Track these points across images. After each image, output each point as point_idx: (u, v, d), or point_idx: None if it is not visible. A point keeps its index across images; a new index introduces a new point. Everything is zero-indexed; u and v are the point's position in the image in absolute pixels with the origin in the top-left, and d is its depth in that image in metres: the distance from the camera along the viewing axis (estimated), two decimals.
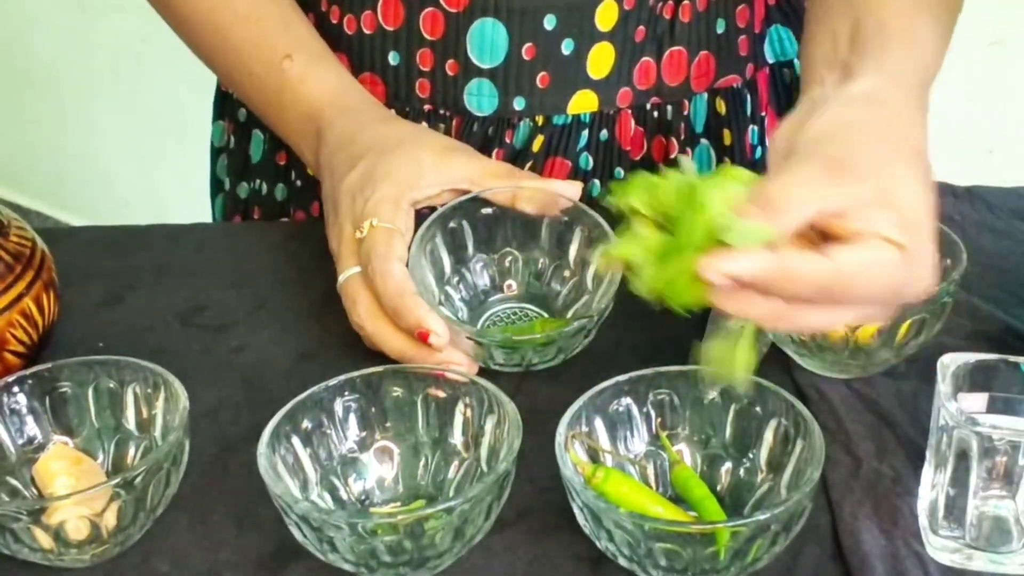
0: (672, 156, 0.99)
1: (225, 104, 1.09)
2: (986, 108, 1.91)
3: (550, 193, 0.86)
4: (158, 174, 2.55)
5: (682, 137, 0.99)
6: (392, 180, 0.83)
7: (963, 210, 0.95)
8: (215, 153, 1.12)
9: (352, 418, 0.73)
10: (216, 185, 1.13)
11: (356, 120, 0.89)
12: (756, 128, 1.01)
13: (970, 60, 1.85)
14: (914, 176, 0.67)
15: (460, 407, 0.72)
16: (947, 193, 0.96)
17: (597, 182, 0.99)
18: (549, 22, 0.92)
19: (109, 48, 2.48)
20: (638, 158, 0.99)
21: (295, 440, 0.70)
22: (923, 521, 0.68)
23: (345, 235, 0.84)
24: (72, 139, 2.74)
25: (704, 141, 1.00)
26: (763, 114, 1.02)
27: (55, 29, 2.61)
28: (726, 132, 1.00)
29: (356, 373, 0.73)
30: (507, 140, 0.96)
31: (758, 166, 1.01)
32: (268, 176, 1.05)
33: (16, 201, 2.74)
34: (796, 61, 1.01)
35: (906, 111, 0.72)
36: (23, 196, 2.80)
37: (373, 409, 0.73)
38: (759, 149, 1.02)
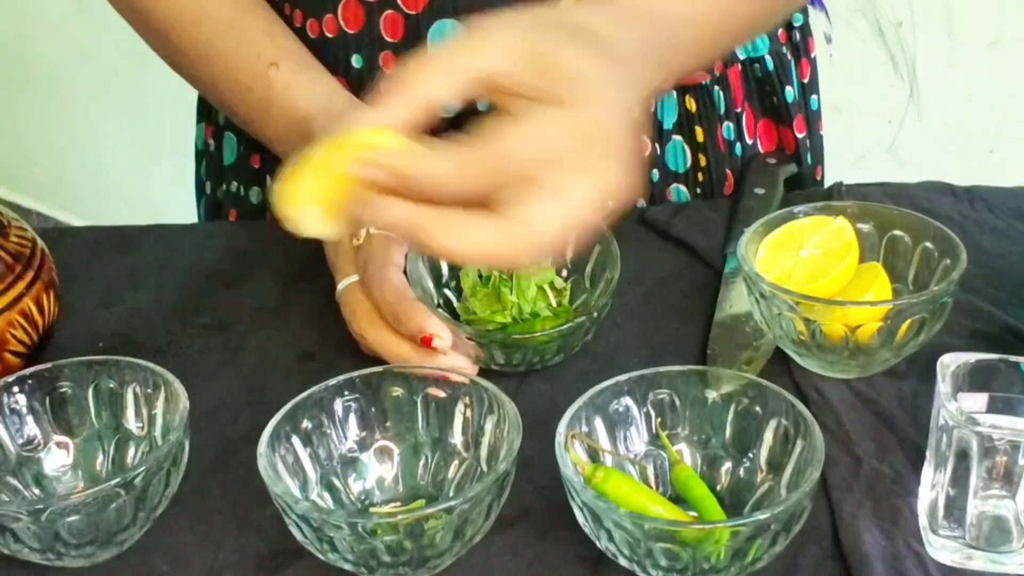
0: (645, 154, 0.99)
1: (205, 106, 1.09)
2: (986, 108, 1.91)
3: None
4: (158, 174, 2.55)
5: (653, 134, 0.99)
6: None
7: (963, 210, 0.94)
8: (199, 156, 1.12)
9: (352, 418, 0.73)
10: (200, 188, 1.13)
11: None
12: (732, 125, 1.01)
13: (970, 60, 1.85)
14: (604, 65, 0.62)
15: (460, 407, 0.72)
16: (947, 193, 0.96)
17: None
18: None
19: (109, 48, 2.48)
20: None
21: (295, 440, 0.70)
22: (923, 521, 0.68)
23: (342, 244, 0.84)
24: (72, 139, 2.74)
25: (677, 137, 1.00)
26: (739, 110, 1.02)
27: (55, 29, 2.61)
28: (698, 129, 1.00)
29: (356, 373, 0.73)
30: None
31: (735, 163, 1.02)
32: (242, 179, 1.05)
33: (16, 201, 2.74)
34: (767, 57, 1.01)
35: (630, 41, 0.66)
36: (23, 196, 2.80)
37: (373, 409, 0.73)
38: (737, 146, 1.02)
